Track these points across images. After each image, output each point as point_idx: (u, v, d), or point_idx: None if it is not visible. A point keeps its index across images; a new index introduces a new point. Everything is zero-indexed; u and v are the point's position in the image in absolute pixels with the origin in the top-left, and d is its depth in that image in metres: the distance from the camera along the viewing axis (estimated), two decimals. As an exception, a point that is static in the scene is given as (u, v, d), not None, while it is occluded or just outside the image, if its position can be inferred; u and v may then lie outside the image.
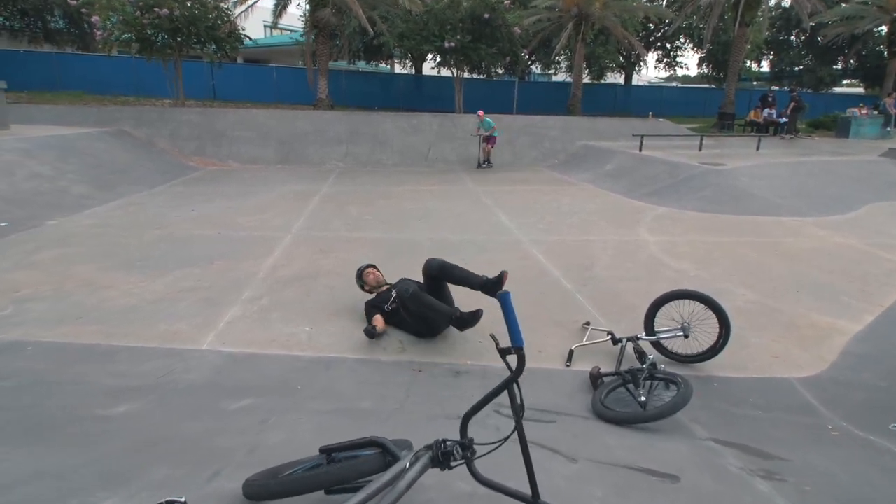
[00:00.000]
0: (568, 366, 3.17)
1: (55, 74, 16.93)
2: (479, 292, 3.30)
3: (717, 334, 3.12)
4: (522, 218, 6.99)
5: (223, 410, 2.39)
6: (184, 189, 8.84)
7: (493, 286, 3.26)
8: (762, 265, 5.06)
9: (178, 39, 12.66)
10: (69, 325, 3.46)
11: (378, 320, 3.39)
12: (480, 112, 12.56)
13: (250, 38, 15.44)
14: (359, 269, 3.86)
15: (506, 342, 1.24)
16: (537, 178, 11.04)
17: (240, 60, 22.12)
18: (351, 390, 2.74)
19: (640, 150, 10.93)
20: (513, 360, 1.25)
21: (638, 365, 3.01)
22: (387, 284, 3.74)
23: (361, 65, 24.16)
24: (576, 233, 6.27)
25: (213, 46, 13.57)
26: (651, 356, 2.99)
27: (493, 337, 1.30)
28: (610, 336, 3.32)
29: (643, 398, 2.65)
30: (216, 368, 2.91)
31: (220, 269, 4.66)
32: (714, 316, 3.12)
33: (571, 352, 3.26)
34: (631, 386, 2.78)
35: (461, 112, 15.81)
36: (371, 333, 3.21)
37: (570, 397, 2.81)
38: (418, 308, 3.15)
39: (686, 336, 3.17)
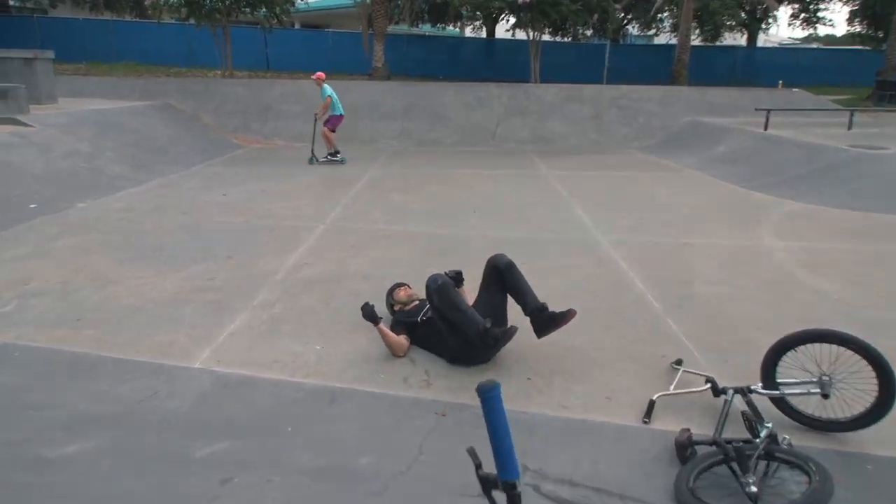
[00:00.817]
0: (646, 422, 2.64)
1: (112, 43, 18.39)
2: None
3: (875, 394, 2.45)
4: (604, 212, 6.38)
5: (186, 458, 2.18)
6: (221, 170, 9.09)
7: (544, 322, 2.99)
8: (942, 290, 4.12)
9: (227, 2, 13.12)
10: (66, 327, 3.49)
11: (403, 339, 3.19)
12: (319, 74, 9.67)
13: (304, 0, 15.72)
14: (388, 290, 3.72)
15: (490, 465, 0.81)
16: (627, 161, 10.31)
17: (297, 25, 22.81)
18: (352, 437, 2.43)
19: (766, 128, 9.91)
20: (501, 497, 0.82)
21: (747, 434, 2.42)
22: (419, 299, 3.46)
23: (426, 28, 23.96)
24: (672, 233, 5.58)
25: (264, 9, 13.95)
26: (769, 423, 2.38)
27: (471, 453, 0.86)
28: (710, 384, 2.73)
29: (754, 488, 2.08)
30: (202, 395, 2.74)
31: (238, 265, 4.60)
32: (870, 367, 2.44)
33: (652, 402, 2.71)
34: (736, 465, 2.21)
35: (537, 82, 15.08)
36: (370, 314, 3.04)
37: (646, 472, 2.30)
38: (443, 304, 2.97)
39: (825, 395, 2.51)
